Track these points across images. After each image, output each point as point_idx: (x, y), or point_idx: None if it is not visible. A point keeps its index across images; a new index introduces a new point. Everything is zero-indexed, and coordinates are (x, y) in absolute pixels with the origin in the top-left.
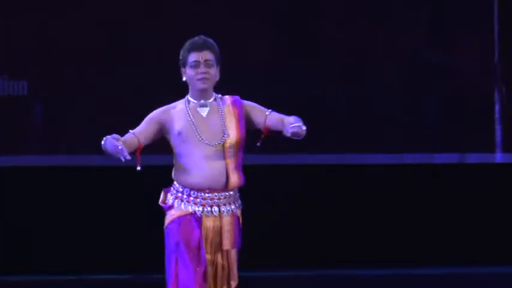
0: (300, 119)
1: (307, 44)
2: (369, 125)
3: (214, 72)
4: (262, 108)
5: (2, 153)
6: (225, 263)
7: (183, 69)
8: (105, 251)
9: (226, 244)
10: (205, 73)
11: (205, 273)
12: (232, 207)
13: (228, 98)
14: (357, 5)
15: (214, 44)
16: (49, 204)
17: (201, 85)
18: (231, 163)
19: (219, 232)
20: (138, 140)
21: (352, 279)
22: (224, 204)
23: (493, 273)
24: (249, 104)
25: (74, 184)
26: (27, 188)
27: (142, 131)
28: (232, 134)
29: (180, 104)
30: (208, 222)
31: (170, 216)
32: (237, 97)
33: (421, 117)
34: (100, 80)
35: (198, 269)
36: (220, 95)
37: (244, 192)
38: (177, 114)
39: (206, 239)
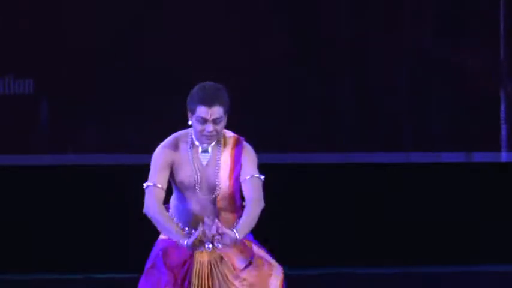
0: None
1: (310, 42)
2: (374, 124)
3: (221, 127)
4: (253, 167)
5: (7, 153)
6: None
7: (190, 114)
8: (111, 250)
9: (239, 264)
10: (212, 131)
11: None
12: None
13: (231, 142)
14: (360, 3)
15: (225, 93)
16: (55, 203)
17: (205, 141)
18: (224, 210)
19: (218, 262)
20: (163, 189)
21: (359, 278)
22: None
23: (496, 273)
24: (245, 155)
25: (80, 183)
26: (33, 187)
27: (162, 180)
28: (224, 187)
29: (183, 144)
30: (202, 258)
31: None
32: (241, 143)
33: (426, 116)
34: (105, 78)
35: None
36: (225, 134)
37: None
38: (182, 159)
39: (200, 274)
